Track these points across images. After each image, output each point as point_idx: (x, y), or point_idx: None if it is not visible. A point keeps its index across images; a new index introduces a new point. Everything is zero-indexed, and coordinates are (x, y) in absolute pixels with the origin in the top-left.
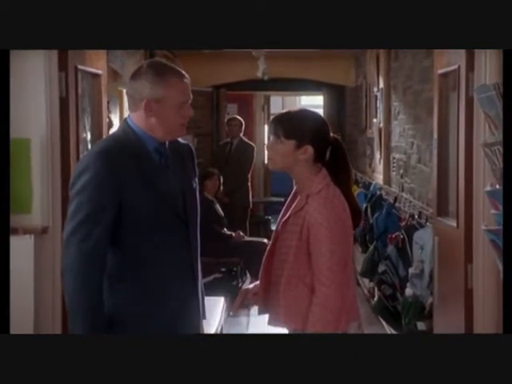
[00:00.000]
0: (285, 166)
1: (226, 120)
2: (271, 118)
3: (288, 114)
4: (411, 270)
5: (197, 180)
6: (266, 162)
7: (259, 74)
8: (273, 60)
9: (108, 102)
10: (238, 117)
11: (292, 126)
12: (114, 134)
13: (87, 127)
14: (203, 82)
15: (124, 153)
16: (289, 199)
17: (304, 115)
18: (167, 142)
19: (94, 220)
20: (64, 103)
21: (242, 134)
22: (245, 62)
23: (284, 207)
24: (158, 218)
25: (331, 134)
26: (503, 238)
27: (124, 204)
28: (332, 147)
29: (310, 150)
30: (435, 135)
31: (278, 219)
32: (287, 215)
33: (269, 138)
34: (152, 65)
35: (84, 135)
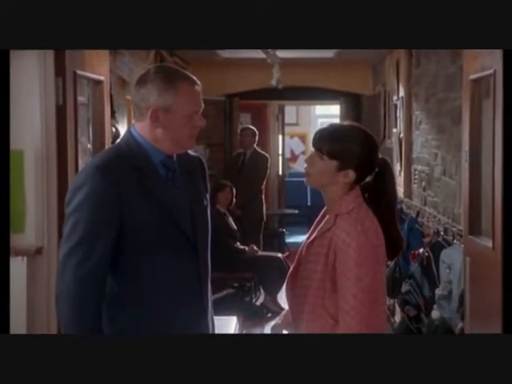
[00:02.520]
0: (321, 184)
1: (239, 130)
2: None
3: (337, 131)
4: (438, 291)
5: (208, 197)
6: (280, 172)
7: (273, 83)
8: (287, 68)
9: (115, 112)
10: (252, 127)
11: (339, 146)
12: (115, 145)
13: (92, 138)
14: (215, 91)
15: (126, 166)
16: (317, 219)
17: (354, 136)
18: (175, 155)
19: (93, 241)
20: (61, 111)
21: (255, 145)
22: (258, 70)
23: (311, 228)
24: (163, 240)
25: (380, 156)
26: (503, 239)
27: (125, 223)
28: (378, 170)
29: (351, 174)
30: (466, 146)
31: (304, 241)
32: (313, 236)
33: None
34: (160, 70)
35: (89, 146)
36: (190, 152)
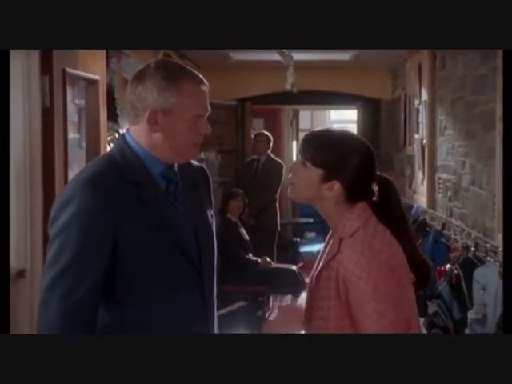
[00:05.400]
0: (304, 197)
1: (252, 136)
2: (303, 133)
3: (325, 135)
4: (471, 315)
5: (213, 212)
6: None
7: (288, 86)
8: (302, 71)
9: (118, 116)
10: (266, 132)
11: (323, 152)
12: (107, 154)
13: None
14: (227, 95)
15: (120, 179)
16: (325, 241)
17: (343, 142)
18: (176, 165)
19: (82, 266)
20: (48, 114)
21: (269, 151)
22: (272, 73)
23: (320, 252)
24: (163, 263)
25: (378, 173)
26: (503, 239)
27: (120, 245)
28: (380, 190)
29: (337, 187)
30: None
31: (313, 269)
32: (320, 266)
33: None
34: (162, 65)
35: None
36: (193, 162)
